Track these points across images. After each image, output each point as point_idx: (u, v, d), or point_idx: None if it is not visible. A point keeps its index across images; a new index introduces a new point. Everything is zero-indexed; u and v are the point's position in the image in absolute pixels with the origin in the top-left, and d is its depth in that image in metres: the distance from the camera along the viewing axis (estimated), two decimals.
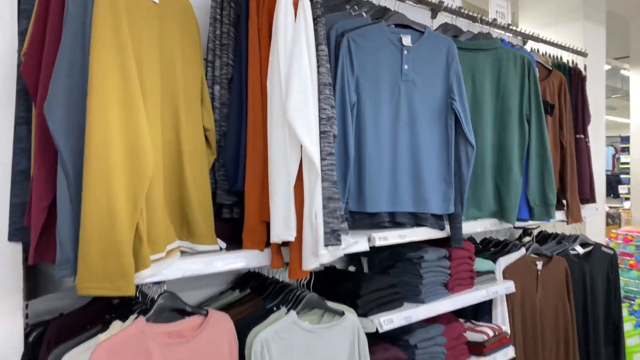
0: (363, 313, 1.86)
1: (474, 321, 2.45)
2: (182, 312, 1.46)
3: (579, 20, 4.22)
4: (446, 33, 2.55)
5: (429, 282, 2.09)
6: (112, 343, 1.23)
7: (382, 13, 2.27)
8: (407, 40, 2.10)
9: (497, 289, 2.37)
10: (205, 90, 1.60)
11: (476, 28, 2.82)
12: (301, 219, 1.53)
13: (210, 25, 1.69)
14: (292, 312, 1.62)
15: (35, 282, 1.48)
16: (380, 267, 2.21)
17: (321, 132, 1.57)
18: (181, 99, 1.46)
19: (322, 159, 1.56)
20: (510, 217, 2.46)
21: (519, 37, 3.36)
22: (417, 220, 2.10)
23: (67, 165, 1.14)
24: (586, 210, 3.14)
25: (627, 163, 7.06)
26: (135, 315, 1.36)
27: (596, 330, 2.93)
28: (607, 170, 10.91)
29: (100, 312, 1.50)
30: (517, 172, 2.48)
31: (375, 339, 1.91)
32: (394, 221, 2.06)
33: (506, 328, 2.44)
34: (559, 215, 2.89)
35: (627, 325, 3.41)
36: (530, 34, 3.31)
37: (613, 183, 10.71)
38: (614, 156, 11.96)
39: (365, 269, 2.29)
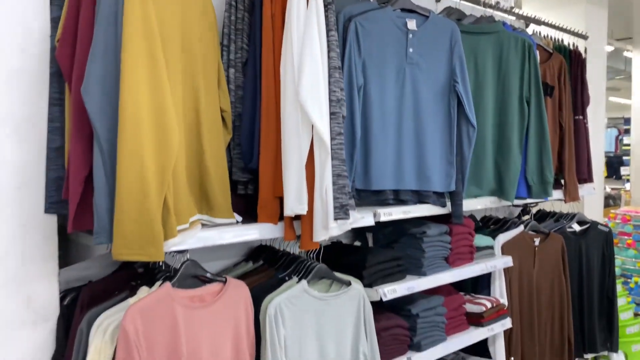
0: (368, 283, 1.97)
1: (473, 294, 2.57)
2: (202, 279, 1.59)
3: (581, 2, 4.28)
4: (450, 16, 2.63)
5: (430, 255, 2.20)
6: (143, 305, 1.35)
7: None
8: (412, 24, 2.19)
9: (495, 263, 2.49)
10: (222, 73, 1.70)
11: (479, 11, 2.90)
12: (312, 194, 1.64)
13: (226, 11, 1.78)
14: (303, 281, 1.74)
15: (67, 251, 1.61)
16: (385, 242, 2.32)
17: (331, 113, 1.68)
18: (201, 82, 1.57)
19: (332, 139, 1.67)
20: (509, 194, 2.57)
21: (522, 20, 3.42)
22: (419, 197, 2.21)
23: (102, 143, 1.25)
24: (584, 189, 3.25)
25: (629, 145, 7.13)
26: (160, 282, 1.49)
27: (590, 304, 3.07)
28: (609, 152, 10.93)
29: (127, 280, 1.63)
30: (516, 151, 2.59)
31: (379, 308, 2.03)
32: (398, 198, 2.18)
33: (504, 301, 2.56)
34: (557, 194, 3.00)
35: (622, 300, 3.54)
36: (533, 16, 3.38)
37: (615, 164, 10.71)
38: (617, 137, 11.93)
39: (371, 244, 2.41)
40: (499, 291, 2.59)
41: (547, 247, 2.81)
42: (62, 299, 1.52)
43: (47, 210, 1.44)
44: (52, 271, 1.47)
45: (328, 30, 1.69)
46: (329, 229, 1.65)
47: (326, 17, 1.70)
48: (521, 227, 2.76)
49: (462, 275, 2.32)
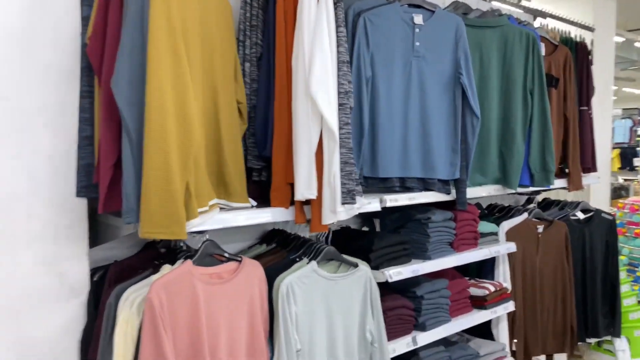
0: (375, 266, 2.08)
1: (477, 279, 2.67)
2: (220, 259, 1.71)
3: None
4: (456, 10, 2.71)
5: (435, 240, 2.31)
6: (166, 280, 1.48)
7: None
8: (418, 19, 2.28)
9: (499, 248, 2.59)
10: (238, 67, 1.82)
11: (485, 5, 2.97)
12: (321, 180, 1.76)
13: (241, 9, 1.90)
14: (313, 262, 1.86)
15: (95, 232, 1.74)
16: (392, 227, 2.43)
17: (339, 105, 1.79)
18: (219, 75, 1.69)
19: (340, 128, 1.78)
20: (513, 182, 2.67)
21: (530, 14, 3.48)
22: (425, 185, 2.32)
23: (131, 131, 1.38)
24: (588, 178, 3.32)
25: None
26: (182, 260, 1.61)
27: (594, 290, 3.14)
28: (623, 143, 10.81)
29: (150, 259, 1.76)
30: (520, 141, 2.68)
31: (385, 290, 2.14)
32: (404, 186, 2.29)
33: (507, 285, 2.66)
34: (562, 182, 3.08)
35: (625, 287, 3.61)
36: (540, 9, 3.44)
37: (629, 156, 10.60)
38: (631, 128, 11.81)
39: (378, 229, 2.52)
40: (503, 276, 2.69)
41: (550, 234, 2.90)
42: (91, 276, 1.66)
43: (78, 194, 1.57)
44: (82, 250, 1.60)
45: (337, 26, 1.80)
46: (336, 212, 1.76)
47: (335, 14, 1.80)
48: (525, 215, 2.85)
49: (466, 260, 2.42)
